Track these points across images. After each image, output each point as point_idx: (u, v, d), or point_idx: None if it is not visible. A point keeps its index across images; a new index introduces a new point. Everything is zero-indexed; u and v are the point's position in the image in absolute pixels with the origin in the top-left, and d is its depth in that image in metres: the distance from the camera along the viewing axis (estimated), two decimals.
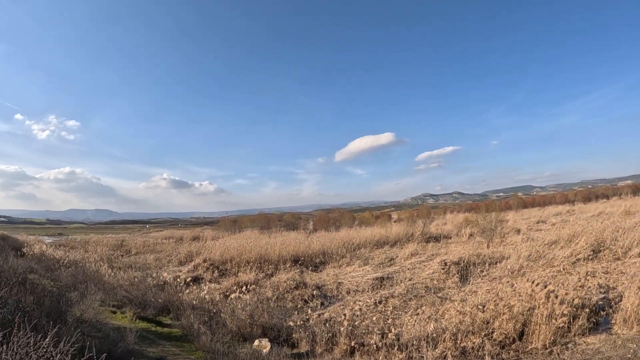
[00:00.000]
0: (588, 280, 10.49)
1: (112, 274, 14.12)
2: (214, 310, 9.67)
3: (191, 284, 13.85)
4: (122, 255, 23.29)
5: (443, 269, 13.75)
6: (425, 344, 6.82)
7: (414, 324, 7.84)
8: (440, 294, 11.52)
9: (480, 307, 7.72)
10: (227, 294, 11.76)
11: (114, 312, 9.69)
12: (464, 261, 14.25)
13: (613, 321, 7.42)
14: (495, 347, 6.67)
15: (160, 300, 10.31)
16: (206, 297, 11.00)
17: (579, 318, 7.11)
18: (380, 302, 10.97)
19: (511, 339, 6.96)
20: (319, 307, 11.45)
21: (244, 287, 12.03)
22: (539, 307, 7.13)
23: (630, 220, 22.52)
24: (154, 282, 12.86)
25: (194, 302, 10.32)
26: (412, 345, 6.87)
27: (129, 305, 9.93)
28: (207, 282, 14.06)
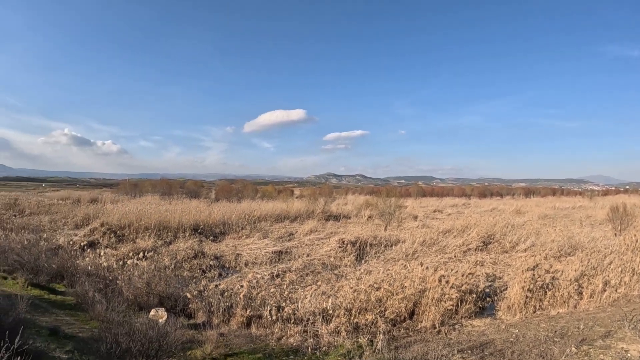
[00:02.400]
0: (477, 268, 11.45)
1: (4, 235, 13.18)
2: (110, 278, 9.43)
3: (87, 249, 13.23)
4: (15, 216, 21.49)
5: (340, 247, 14.24)
6: (320, 319, 7.13)
7: (310, 299, 8.08)
8: (336, 271, 12.03)
9: (374, 286, 8.13)
10: (124, 260, 11.25)
11: (5, 278, 9.17)
12: (361, 241, 14.76)
13: (498, 307, 8.34)
14: (387, 324, 7.10)
15: (54, 266, 9.84)
16: (103, 263, 10.58)
17: (467, 302, 7.84)
18: (277, 276, 11.27)
19: (402, 318, 7.51)
20: (216, 277, 11.60)
21: (142, 254, 11.69)
22: (430, 289, 7.71)
23: (520, 218, 24.87)
24: (48, 245, 12.16)
25: (89, 269, 9.97)
26: (307, 319, 7.14)
27: (20, 270, 9.38)
28: (104, 248, 13.46)
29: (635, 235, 14.48)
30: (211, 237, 17.37)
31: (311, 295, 8.28)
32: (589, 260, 10.25)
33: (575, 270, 8.94)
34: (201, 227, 18.19)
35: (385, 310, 7.49)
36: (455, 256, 13.84)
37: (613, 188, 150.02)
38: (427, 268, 8.99)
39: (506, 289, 9.28)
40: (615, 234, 18.26)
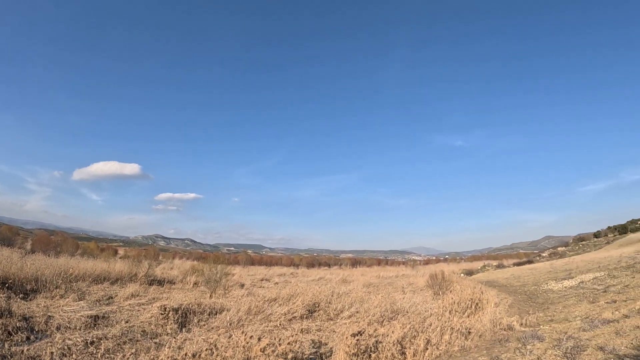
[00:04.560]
0: (302, 335, 12.13)
1: None
2: None
3: None
4: None
5: (162, 314, 13.84)
6: None
7: None
8: (156, 340, 11.61)
9: (195, 355, 8.10)
10: None
11: None
12: (184, 308, 14.51)
13: None
14: None
15: None
16: None
17: None
18: (92, 343, 10.47)
19: None
20: (24, 341, 10.38)
21: None
22: (253, 358, 7.99)
23: (346, 287, 26.36)
24: None
25: None
26: None
27: None
28: None
29: (452, 298, 16.33)
30: (21, 295, 15.72)
31: None
32: (410, 323, 11.15)
33: (397, 333, 9.71)
34: (10, 281, 16.34)
35: None
36: (280, 324, 14.21)
37: (434, 258, 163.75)
38: (251, 337, 9.25)
39: (332, 354, 9.78)
40: (435, 298, 19.87)
